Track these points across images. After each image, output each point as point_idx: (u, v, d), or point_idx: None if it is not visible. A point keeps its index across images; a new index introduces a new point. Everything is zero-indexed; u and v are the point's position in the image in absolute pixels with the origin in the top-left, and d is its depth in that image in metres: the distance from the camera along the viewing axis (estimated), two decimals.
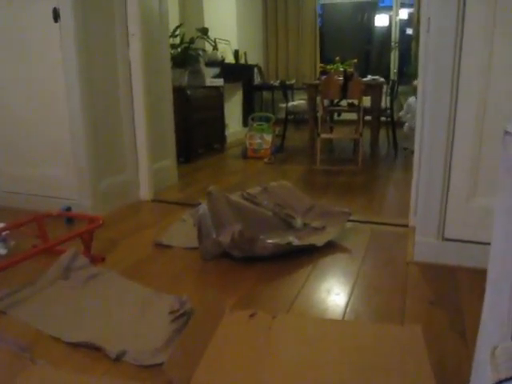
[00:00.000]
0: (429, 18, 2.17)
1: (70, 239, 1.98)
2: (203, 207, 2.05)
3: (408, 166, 2.90)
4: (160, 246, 2.24)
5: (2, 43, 2.73)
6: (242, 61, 6.41)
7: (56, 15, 2.48)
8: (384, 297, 1.74)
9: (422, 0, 2.44)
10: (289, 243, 2.06)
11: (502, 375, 0.54)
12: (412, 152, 2.75)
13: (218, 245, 2.00)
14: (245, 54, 6.48)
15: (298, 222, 2.25)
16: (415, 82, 4.44)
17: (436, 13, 1.87)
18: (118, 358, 1.34)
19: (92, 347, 1.38)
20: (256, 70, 6.68)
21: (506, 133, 0.78)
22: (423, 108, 2.22)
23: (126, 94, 2.94)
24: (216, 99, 4.93)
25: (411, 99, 4.92)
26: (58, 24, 2.50)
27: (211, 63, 5.03)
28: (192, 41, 4.61)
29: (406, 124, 5.01)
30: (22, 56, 2.69)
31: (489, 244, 1.87)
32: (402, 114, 5.27)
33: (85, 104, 2.58)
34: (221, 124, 5.12)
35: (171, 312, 1.52)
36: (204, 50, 5.01)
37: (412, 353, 1.35)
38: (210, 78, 4.81)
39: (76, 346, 1.40)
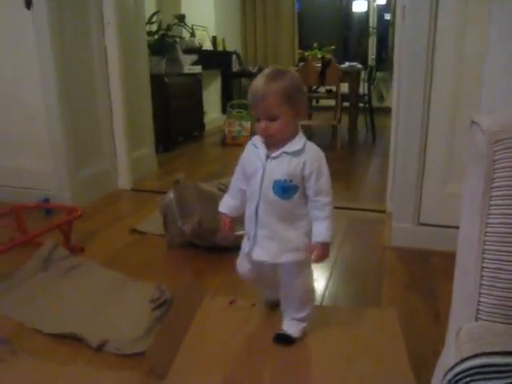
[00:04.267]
0: (404, 6, 2.19)
1: (49, 231, 1.97)
2: (169, 195, 2.03)
3: (386, 152, 2.95)
4: (137, 234, 2.25)
5: None
6: (220, 47, 6.35)
7: (28, 2, 2.43)
8: (361, 281, 1.78)
9: None
10: None
11: (464, 354, 0.57)
12: None
13: (182, 233, 1.98)
14: (223, 40, 6.42)
15: None
16: None
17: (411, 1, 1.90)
18: (100, 348, 1.35)
19: (73, 338, 1.39)
20: (234, 56, 6.62)
21: (472, 122, 0.80)
22: (399, 96, 2.25)
23: (103, 82, 2.90)
24: (194, 86, 4.89)
25: None
26: (30, 11, 2.45)
27: (189, 50, 4.97)
28: (169, 28, 4.54)
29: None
30: None
31: None
32: None
33: (61, 93, 2.54)
34: (199, 111, 5.08)
35: (151, 301, 1.53)
36: (181, 37, 4.95)
37: (387, 334, 1.40)
38: (188, 65, 4.75)
39: (57, 337, 1.41)
